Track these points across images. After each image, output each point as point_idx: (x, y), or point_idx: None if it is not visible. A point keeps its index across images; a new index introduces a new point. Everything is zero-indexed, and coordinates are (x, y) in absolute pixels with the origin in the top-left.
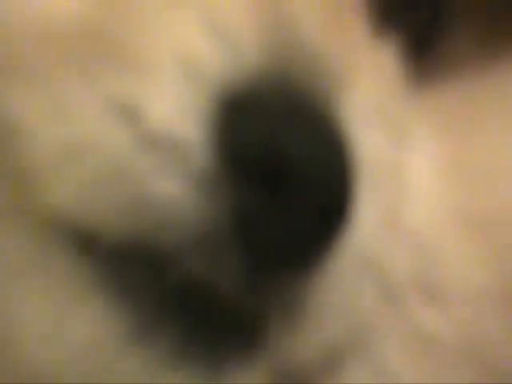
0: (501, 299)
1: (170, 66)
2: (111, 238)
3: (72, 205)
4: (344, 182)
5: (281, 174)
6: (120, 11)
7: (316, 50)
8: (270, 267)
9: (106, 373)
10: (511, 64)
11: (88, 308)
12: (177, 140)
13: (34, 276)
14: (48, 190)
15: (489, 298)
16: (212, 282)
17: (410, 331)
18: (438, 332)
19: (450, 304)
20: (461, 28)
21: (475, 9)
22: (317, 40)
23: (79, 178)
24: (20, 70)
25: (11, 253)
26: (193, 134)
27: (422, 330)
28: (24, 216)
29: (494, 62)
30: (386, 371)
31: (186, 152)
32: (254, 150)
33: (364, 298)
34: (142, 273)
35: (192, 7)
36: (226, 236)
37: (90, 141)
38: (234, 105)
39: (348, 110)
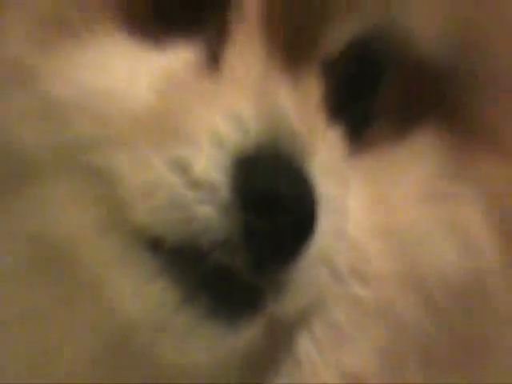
0: (404, 278)
1: (206, 139)
2: (169, 240)
3: (147, 220)
4: (312, 209)
5: (273, 204)
6: (175, 104)
7: (294, 129)
8: (268, 259)
9: (165, 324)
10: (411, 143)
11: (153, 284)
12: (210, 183)
13: (123, 264)
14: (132, 212)
15: (396, 278)
16: (231, 268)
17: (348, 298)
18: (365, 300)
19: (372, 282)
20: (383, 118)
21: (392, 108)
22: (294, 123)
23: (152, 205)
24: (115, 139)
25: (108, 251)
26: (219, 180)
27: (355, 297)
28: (116, 229)
29: (402, 140)
30: (334, 323)
31: (215, 190)
32: (256, 190)
33: (322, 278)
34: (187, 262)
35: (218, 104)
36: (238, 240)
37: (158, 183)
38: (244, 162)
39: (313, 166)
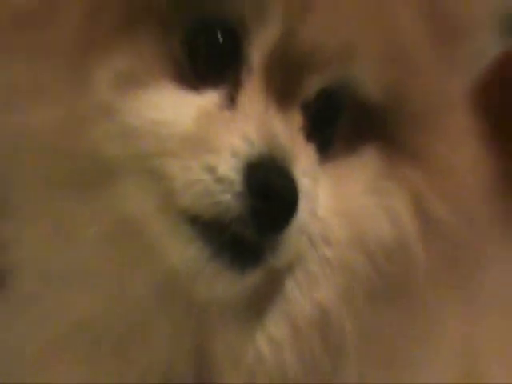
0: (355, 243)
1: (227, 151)
2: (203, 217)
3: (188, 204)
4: (295, 196)
5: (270, 193)
6: (207, 129)
7: (284, 145)
8: (267, 229)
9: (199, 272)
10: (360, 157)
11: (192, 245)
12: (229, 180)
13: (172, 233)
14: (179, 199)
15: (350, 242)
16: (243, 235)
17: (318, 256)
18: (329, 257)
19: (334, 245)
20: (341, 140)
21: (347, 134)
22: (284, 141)
23: (192, 194)
24: (168, 152)
25: (162, 225)
26: (234, 178)
27: (323, 255)
28: (168, 210)
29: (353, 155)
30: (310, 271)
31: (232, 184)
32: (259, 184)
33: (302, 242)
34: (214, 231)
35: (235, 129)
36: (248, 217)
37: (196, 180)
38: (251, 166)
39: (297, 170)
